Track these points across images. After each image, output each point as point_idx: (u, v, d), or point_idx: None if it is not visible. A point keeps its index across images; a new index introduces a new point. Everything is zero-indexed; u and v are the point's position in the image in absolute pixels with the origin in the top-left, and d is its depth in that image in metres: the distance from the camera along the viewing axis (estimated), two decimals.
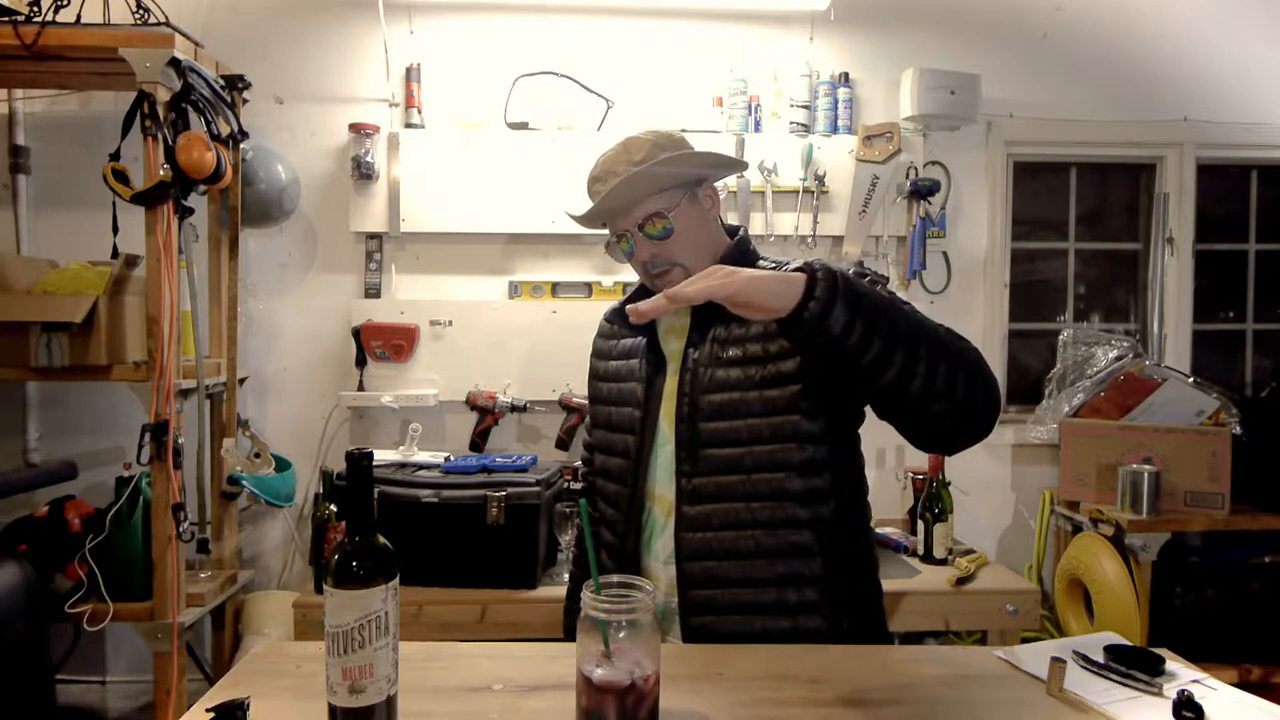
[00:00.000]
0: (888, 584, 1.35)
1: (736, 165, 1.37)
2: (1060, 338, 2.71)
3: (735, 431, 1.20)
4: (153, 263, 1.95)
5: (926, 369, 0.97)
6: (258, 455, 2.36)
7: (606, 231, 1.33)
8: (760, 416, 1.19)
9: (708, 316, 1.25)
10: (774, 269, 1.28)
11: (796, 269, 0.94)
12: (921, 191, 2.59)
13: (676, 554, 1.22)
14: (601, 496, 1.38)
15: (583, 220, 1.33)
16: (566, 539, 2.17)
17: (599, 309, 1.52)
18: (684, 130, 2.51)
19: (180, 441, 1.99)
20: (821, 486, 1.20)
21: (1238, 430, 2.43)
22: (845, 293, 0.92)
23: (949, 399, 1.00)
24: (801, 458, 1.19)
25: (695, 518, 1.21)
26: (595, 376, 1.45)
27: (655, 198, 1.24)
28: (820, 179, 2.58)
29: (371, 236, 2.60)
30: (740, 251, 1.32)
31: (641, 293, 1.38)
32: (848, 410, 1.24)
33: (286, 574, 2.61)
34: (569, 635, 1.50)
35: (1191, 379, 2.55)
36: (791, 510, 1.19)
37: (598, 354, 1.46)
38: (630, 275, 2.61)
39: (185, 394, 2.24)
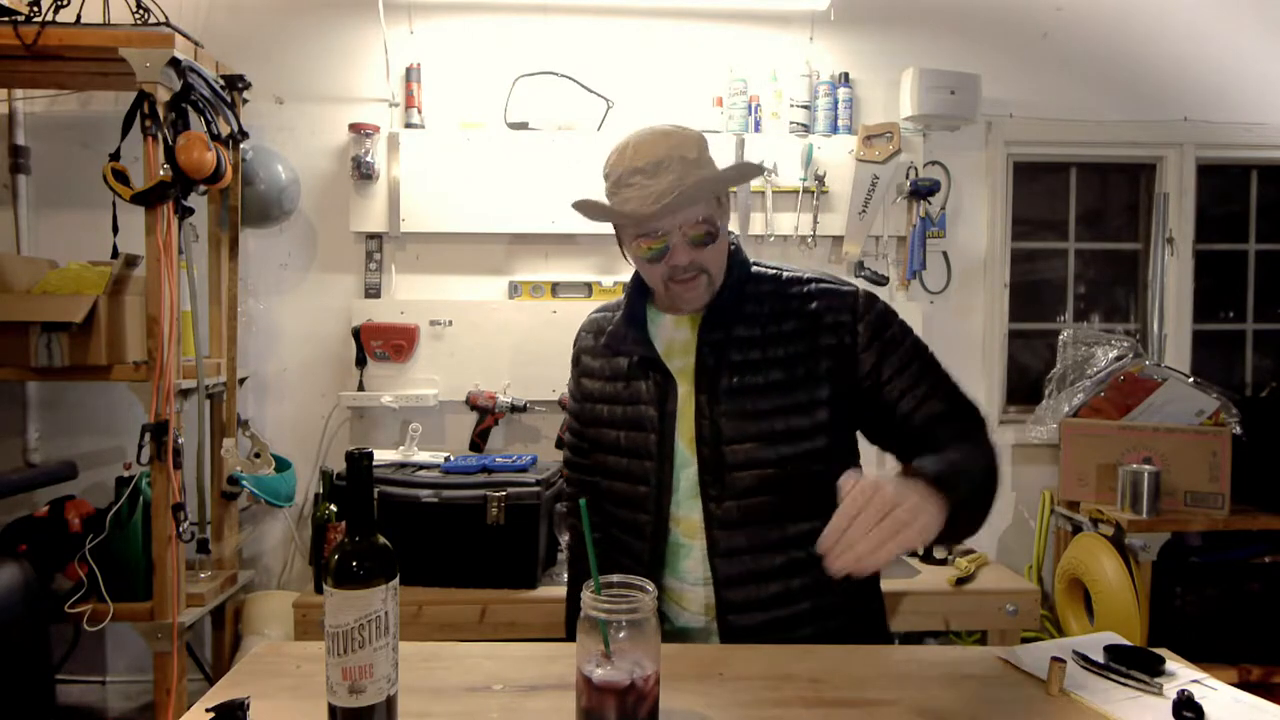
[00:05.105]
0: (887, 584, 1.37)
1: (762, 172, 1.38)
2: (1060, 338, 2.71)
3: (761, 453, 1.19)
4: (153, 263, 1.95)
5: (967, 528, 1.08)
6: (258, 455, 2.36)
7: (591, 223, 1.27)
8: (786, 441, 1.19)
9: (716, 331, 1.23)
10: (775, 274, 1.28)
11: (922, 475, 0.97)
12: (921, 191, 2.59)
13: (714, 580, 1.21)
14: (614, 523, 1.32)
15: (621, 217, 1.19)
16: (566, 539, 2.17)
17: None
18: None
19: (180, 441, 1.99)
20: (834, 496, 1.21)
21: (1238, 430, 2.43)
22: (959, 513, 0.99)
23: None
24: (823, 473, 1.17)
25: (730, 544, 1.20)
26: (589, 397, 1.36)
27: (705, 204, 1.19)
28: (820, 179, 2.58)
29: (371, 236, 2.60)
30: (739, 263, 1.28)
31: (637, 296, 1.32)
32: (856, 427, 1.28)
33: (286, 574, 2.61)
34: (571, 636, 1.50)
35: (1191, 379, 2.55)
36: (815, 524, 1.18)
37: (587, 373, 1.38)
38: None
39: (185, 394, 2.24)
